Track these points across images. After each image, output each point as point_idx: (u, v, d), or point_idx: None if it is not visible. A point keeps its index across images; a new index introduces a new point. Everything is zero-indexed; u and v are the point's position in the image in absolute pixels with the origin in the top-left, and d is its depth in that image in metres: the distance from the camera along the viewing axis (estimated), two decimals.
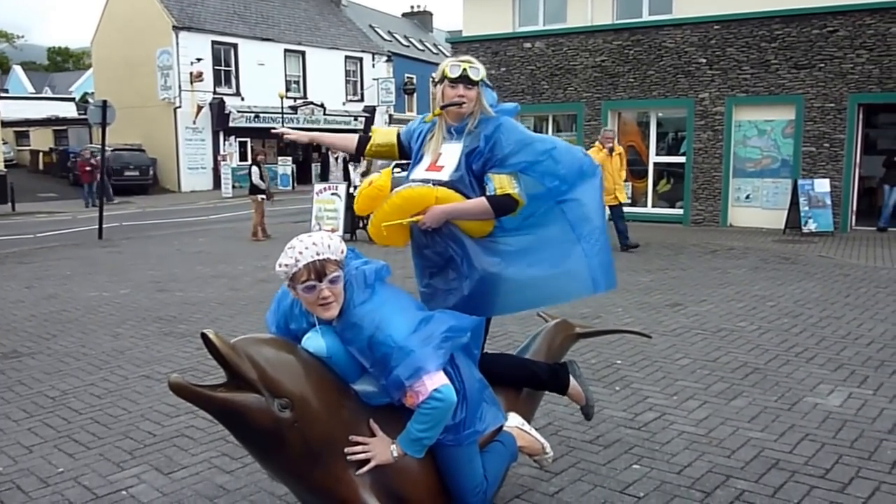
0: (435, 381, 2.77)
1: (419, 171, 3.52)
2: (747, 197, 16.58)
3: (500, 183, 3.34)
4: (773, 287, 9.47)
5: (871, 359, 6.23)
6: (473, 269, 3.35)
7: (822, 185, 15.08)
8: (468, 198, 3.37)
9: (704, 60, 16.59)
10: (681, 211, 17.27)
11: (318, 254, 2.81)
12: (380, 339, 2.77)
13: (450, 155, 3.46)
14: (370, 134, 3.94)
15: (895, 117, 17.37)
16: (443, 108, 3.49)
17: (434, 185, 3.37)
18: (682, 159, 17.23)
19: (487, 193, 3.35)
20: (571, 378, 3.86)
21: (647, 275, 10.55)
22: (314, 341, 2.85)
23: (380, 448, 2.85)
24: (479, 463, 3.11)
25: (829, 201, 15.02)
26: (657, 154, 17.81)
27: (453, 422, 2.97)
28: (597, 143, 13.38)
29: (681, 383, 5.68)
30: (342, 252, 2.90)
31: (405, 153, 3.79)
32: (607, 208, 12.78)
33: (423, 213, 3.34)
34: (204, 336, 2.57)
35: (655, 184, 17.91)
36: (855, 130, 15.37)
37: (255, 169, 16.38)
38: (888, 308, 8.12)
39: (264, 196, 16.29)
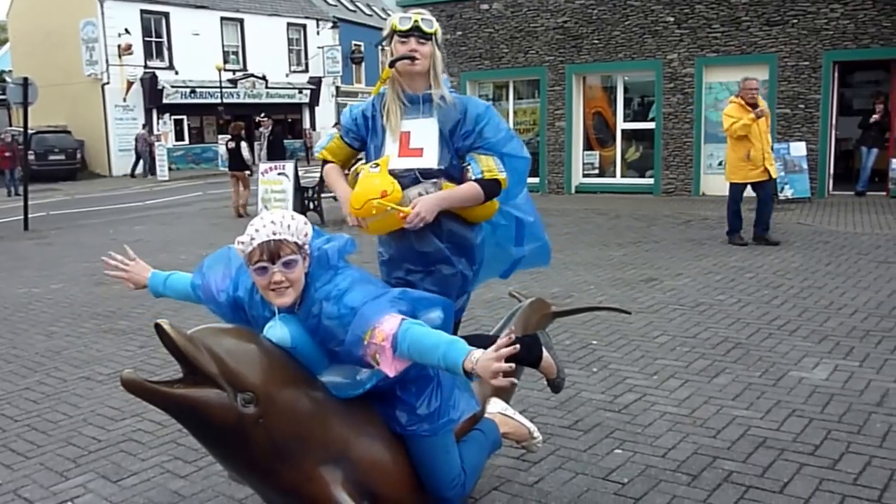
0: (397, 318, 2.71)
1: (392, 160, 3.39)
2: (720, 163, 16.69)
3: (487, 165, 3.35)
4: (751, 257, 9.61)
5: (856, 329, 6.36)
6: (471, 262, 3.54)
7: (798, 149, 15.30)
8: (458, 182, 3.37)
9: (672, 19, 16.70)
10: (651, 180, 17.42)
11: (273, 233, 2.77)
12: (337, 312, 2.75)
13: (424, 134, 3.39)
14: (325, 157, 3.68)
15: (871, 75, 17.63)
16: (392, 63, 3.39)
17: (421, 175, 3.34)
18: (651, 125, 17.37)
19: (473, 175, 3.35)
20: (544, 350, 3.90)
21: (619, 249, 10.65)
22: (277, 330, 2.83)
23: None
24: (455, 454, 3.13)
25: (805, 165, 15.25)
26: (625, 120, 17.94)
27: (428, 411, 2.98)
28: (735, 98, 10.58)
29: (660, 362, 5.76)
30: (306, 235, 2.85)
31: (362, 144, 3.63)
32: (741, 185, 10.62)
33: (412, 206, 3.27)
34: (158, 327, 2.53)
35: (624, 152, 18.03)
36: (830, 90, 15.59)
37: (243, 144, 17.07)
38: (870, 276, 8.30)
39: (250, 171, 16.97)
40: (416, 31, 3.33)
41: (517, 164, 3.46)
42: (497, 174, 3.35)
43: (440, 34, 3.45)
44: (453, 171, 3.37)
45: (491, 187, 3.35)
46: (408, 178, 3.34)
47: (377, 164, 3.31)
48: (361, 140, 3.62)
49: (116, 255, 3.61)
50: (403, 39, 3.35)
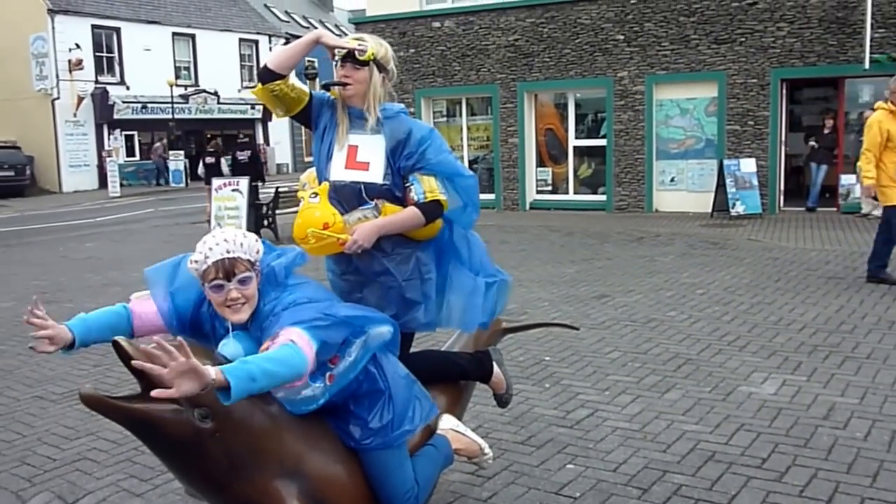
0: (295, 335, 2.67)
1: (338, 170, 3.45)
2: (672, 180, 17.01)
3: (430, 186, 3.42)
4: (702, 274, 9.79)
5: (804, 344, 6.52)
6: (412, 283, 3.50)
7: (749, 165, 15.58)
8: (401, 201, 3.43)
9: (622, 37, 16.95)
10: (604, 197, 17.62)
11: (227, 251, 2.84)
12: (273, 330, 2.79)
13: (371, 150, 3.45)
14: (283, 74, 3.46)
15: (819, 92, 18.01)
16: (324, 86, 3.51)
17: (364, 188, 3.40)
18: (602, 142, 17.57)
19: (415, 197, 3.41)
20: (495, 365, 3.99)
21: (572, 266, 10.78)
22: (231, 347, 2.88)
23: (180, 367, 2.35)
24: (409, 467, 3.19)
25: (755, 182, 15.53)
26: (577, 137, 18.14)
27: (380, 424, 3.04)
28: (884, 104, 8.62)
29: (612, 378, 5.86)
30: (258, 252, 2.92)
31: (305, 117, 3.60)
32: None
33: (351, 233, 3.32)
34: (115, 343, 2.58)
35: (576, 169, 18.23)
36: (779, 107, 15.90)
37: (223, 160, 17.93)
38: (819, 291, 8.49)
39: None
40: (349, 59, 3.41)
41: (466, 184, 3.52)
42: (438, 195, 3.42)
43: (388, 57, 3.50)
44: (396, 190, 3.44)
45: (432, 210, 3.42)
46: (351, 190, 3.40)
47: (316, 194, 3.37)
48: (316, 113, 3.56)
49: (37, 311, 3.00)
50: (341, 65, 3.44)
